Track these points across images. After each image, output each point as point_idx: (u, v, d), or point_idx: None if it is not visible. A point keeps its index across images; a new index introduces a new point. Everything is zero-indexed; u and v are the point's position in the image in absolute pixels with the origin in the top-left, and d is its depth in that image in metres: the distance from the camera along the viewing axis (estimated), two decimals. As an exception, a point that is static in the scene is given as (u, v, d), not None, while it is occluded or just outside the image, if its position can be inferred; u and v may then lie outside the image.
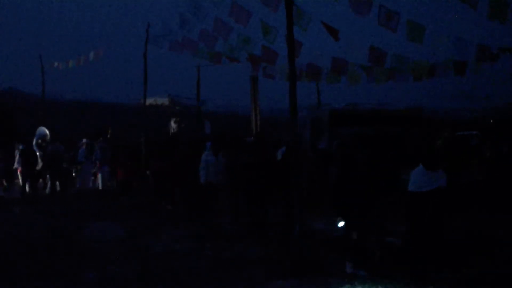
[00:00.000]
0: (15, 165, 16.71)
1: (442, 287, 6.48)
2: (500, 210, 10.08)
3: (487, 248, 8.02)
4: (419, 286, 6.46)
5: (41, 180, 16.82)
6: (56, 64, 20.80)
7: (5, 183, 17.10)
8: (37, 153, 15.94)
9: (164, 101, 20.21)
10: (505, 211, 9.94)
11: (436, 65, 12.95)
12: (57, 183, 15.58)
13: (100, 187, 17.31)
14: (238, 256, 8.34)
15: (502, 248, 8.04)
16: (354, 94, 22.10)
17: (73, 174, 17.92)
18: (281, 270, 7.28)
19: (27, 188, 15.86)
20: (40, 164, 15.83)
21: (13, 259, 8.17)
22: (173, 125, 21.59)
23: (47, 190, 16.26)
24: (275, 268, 7.46)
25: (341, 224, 7.44)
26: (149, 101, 20.36)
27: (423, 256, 7.02)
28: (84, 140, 18.15)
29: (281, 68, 13.10)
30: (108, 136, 19.40)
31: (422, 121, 27.47)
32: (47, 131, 16.75)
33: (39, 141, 16.26)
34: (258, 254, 8.37)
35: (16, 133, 21.99)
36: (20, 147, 16.28)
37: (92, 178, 18.14)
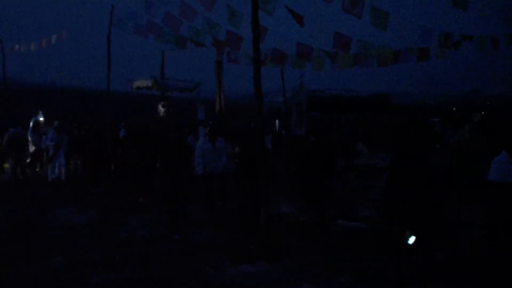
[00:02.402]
0: None
1: None
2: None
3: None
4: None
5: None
6: (17, 47, 20.21)
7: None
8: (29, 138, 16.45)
9: (148, 83, 19.17)
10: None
11: (400, 51, 13.12)
12: (19, 169, 15.22)
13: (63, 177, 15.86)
14: (205, 242, 8.37)
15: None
16: (320, 80, 22.28)
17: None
18: (248, 255, 7.35)
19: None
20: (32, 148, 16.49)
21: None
22: (161, 109, 20.82)
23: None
24: (242, 253, 7.53)
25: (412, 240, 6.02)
26: (137, 83, 19.73)
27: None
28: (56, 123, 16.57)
29: (246, 53, 13.05)
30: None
31: (388, 106, 28.09)
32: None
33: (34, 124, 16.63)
34: (226, 239, 8.42)
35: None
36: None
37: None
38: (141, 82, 19.51)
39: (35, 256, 7.59)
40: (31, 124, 16.90)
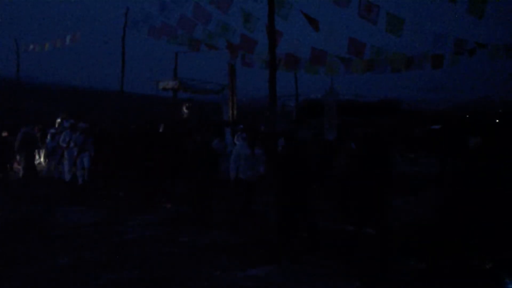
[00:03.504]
0: None
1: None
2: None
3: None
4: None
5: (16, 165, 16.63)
6: (31, 46, 20.38)
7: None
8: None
9: (174, 84, 18.97)
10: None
11: (413, 57, 13.09)
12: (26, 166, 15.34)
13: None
14: (213, 244, 8.35)
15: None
16: (333, 84, 22.18)
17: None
18: (258, 258, 7.36)
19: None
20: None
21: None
22: (185, 110, 20.55)
23: (20, 174, 15.99)
24: (251, 256, 7.53)
25: None
26: (162, 84, 19.66)
27: None
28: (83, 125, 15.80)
29: (259, 56, 13.09)
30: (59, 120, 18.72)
31: (399, 112, 27.96)
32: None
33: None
34: (235, 242, 8.41)
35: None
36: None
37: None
38: (167, 84, 19.40)
39: (39, 256, 7.60)
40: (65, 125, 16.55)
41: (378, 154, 7.51)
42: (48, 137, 16.39)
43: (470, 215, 6.31)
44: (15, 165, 16.72)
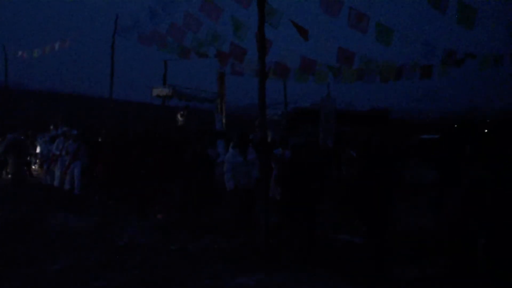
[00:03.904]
0: None
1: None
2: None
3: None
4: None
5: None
6: (20, 53, 20.29)
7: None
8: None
9: (168, 91, 18.72)
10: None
11: (403, 67, 13.15)
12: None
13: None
14: (204, 250, 8.30)
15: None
16: (322, 93, 22.26)
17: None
18: (247, 265, 7.31)
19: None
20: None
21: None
22: (179, 118, 20.29)
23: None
24: (242, 263, 7.48)
25: None
26: (156, 91, 19.47)
27: None
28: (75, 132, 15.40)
29: (249, 65, 13.07)
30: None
31: (389, 121, 28.12)
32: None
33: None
34: (226, 248, 8.37)
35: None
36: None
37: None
38: (161, 91, 19.23)
39: (33, 260, 7.55)
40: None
41: (383, 161, 7.50)
42: (40, 143, 16.41)
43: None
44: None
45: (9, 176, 16.18)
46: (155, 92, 19.48)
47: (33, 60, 19.84)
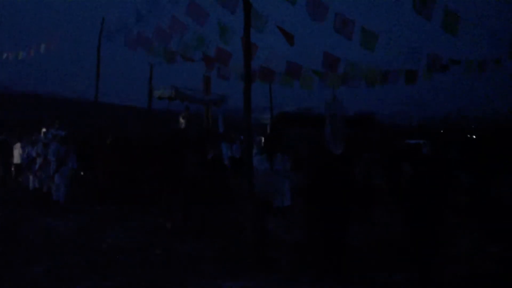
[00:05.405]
0: None
1: None
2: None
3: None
4: None
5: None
6: (5, 55, 20.04)
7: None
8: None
9: (170, 93, 17.98)
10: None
11: (388, 72, 13.22)
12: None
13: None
14: (190, 254, 8.28)
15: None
16: (309, 98, 22.29)
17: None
18: (234, 269, 7.28)
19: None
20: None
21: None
22: (181, 120, 19.59)
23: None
24: (227, 266, 7.44)
25: None
26: (158, 93, 18.84)
27: None
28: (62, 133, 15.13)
29: (234, 69, 13.03)
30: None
31: (374, 126, 28.22)
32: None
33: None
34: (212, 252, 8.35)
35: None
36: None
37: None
38: (162, 92, 18.46)
39: (17, 264, 7.49)
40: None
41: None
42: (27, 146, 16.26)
43: None
44: None
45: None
46: (157, 94, 18.73)
47: (18, 61, 19.64)
